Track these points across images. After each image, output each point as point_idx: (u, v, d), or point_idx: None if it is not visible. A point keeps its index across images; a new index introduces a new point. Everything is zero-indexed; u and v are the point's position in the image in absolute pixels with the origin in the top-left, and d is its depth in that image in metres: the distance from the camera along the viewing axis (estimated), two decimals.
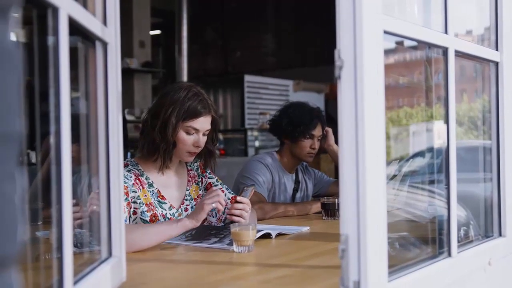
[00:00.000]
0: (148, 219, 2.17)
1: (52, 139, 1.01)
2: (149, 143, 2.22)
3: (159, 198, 2.24)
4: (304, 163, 3.21)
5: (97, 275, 1.23)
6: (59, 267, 1.01)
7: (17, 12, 0.60)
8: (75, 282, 1.09)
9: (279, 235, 2.19)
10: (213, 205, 1.99)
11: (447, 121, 1.54)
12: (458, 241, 1.56)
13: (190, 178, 2.40)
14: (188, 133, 2.21)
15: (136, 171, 2.22)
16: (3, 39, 0.55)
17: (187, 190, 2.37)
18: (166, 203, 2.25)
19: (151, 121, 2.22)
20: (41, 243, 1.34)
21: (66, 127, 1.02)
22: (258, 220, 2.68)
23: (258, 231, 2.04)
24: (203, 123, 2.23)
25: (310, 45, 9.03)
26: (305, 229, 2.37)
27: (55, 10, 1.00)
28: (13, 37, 0.56)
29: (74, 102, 1.11)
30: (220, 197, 2.02)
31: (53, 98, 1.02)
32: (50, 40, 1.02)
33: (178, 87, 2.24)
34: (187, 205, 2.34)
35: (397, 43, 1.49)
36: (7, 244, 0.56)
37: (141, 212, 2.16)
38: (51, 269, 1.09)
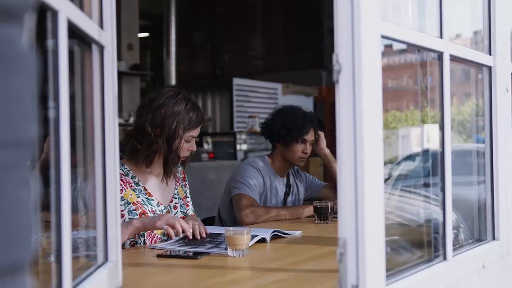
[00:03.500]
0: (137, 217, 2.22)
1: (51, 142, 1.01)
2: (153, 153, 2.27)
3: (146, 196, 2.30)
4: (296, 167, 3.22)
5: (94, 280, 1.22)
6: (58, 272, 1.00)
7: (32, 17, 0.59)
8: (73, 287, 1.08)
9: (274, 237, 2.20)
10: (165, 227, 2.04)
11: (442, 125, 1.54)
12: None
13: (177, 179, 2.49)
14: (187, 141, 2.31)
15: (121, 171, 2.23)
16: (18, 44, 0.54)
17: (176, 189, 2.45)
18: (153, 199, 2.32)
19: (152, 130, 2.24)
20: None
21: (65, 130, 1.01)
22: (250, 224, 2.68)
23: (253, 236, 2.03)
24: (199, 130, 2.36)
25: (299, 48, 9.06)
26: (298, 233, 2.37)
27: (55, 13, 0.99)
28: (27, 41, 0.56)
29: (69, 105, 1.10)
30: (177, 225, 2.06)
31: (52, 101, 1.01)
32: (49, 43, 1.01)
33: (173, 99, 2.28)
34: (176, 203, 2.42)
35: (386, 46, 1.49)
36: (23, 249, 0.55)
37: (128, 211, 2.21)
38: (46, 274, 1.08)
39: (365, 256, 1.16)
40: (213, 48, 10.08)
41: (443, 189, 1.54)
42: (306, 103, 7.25)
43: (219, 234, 2.18)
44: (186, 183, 2.53)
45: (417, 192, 2.07)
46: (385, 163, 2.24)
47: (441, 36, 1.54)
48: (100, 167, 1.36)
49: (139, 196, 2.26)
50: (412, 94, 2.07)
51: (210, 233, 2.20)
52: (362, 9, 1.17)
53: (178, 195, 2.44)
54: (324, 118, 7.50)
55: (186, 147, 2.31)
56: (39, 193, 1.04)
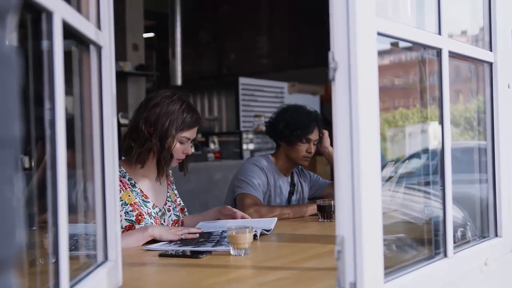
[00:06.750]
0: (134, 218, 2.26)
1: (47, 144, 1.01)
2: (146, 152, 2.28)
3: (143, 197, 2.33)
4: (300, 166, 3.21)
5: (93, 279, 1.23)
6: (55, 272, 1.00)
7: (14, 17, 0.60)
8: (71, 286, 1.09)
9: (275, 236, 2.21)
10: (183, 237, 2.14)
11: (441, 122, 1.54)
12: (455, 242, 1.56)
13: (169, 182, 2.52)
14: (181, 142, 2.33)
15: (118, 173, 2.25)
16: (1, 44, 0.55)
17: (168, 192, 2.49)
18: (149, 201, 2.34)
19: (146, 129, 2.26)
20: (37, 248, 1.34)
21: (61, 132, 1.02)
22: None
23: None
24: (194, 132, 2.37)
25: (305, 47, 9.04)
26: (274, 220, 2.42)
27: (50, 14, 1.00)
28: (10, 42, 0.57)
29: (67, 106, 1.11)
30: (192, 230, 2.21)
31: (47, 102, 1.01)
32: (44, 44, 1.02)
33: (169, 99, 2.31)
34: (169, 206, 2.46)
35: (392, 44, 1.49)
36: (6, 248, 0.56)
37: (125, 212, 2.23)
38: (45, 274, 1.09)
39: (363, 253, 1.16)
40: (219, 47, 10.08)
41: (443, 186, 1.54)
42: (312, 102, 7.25)
43: (211, 233, 2.21)
44: (174, 186, 2.57)
45: (421, 189, 2.07)
46: (391, 161, 2.23)
47: (439, 33, 1.54)
48: (99, 167, 1.37)
49: (136, 198, 2.29)
50: (418, 91, 2.06)
51: (203, 232, 2.22)
52: (357, 6, 1.17)
53: (170, 198, 2.48)
54: (331, 117, 7.48)
55: (181, 148, 2.33)
56: (40, 195, 1.04)
